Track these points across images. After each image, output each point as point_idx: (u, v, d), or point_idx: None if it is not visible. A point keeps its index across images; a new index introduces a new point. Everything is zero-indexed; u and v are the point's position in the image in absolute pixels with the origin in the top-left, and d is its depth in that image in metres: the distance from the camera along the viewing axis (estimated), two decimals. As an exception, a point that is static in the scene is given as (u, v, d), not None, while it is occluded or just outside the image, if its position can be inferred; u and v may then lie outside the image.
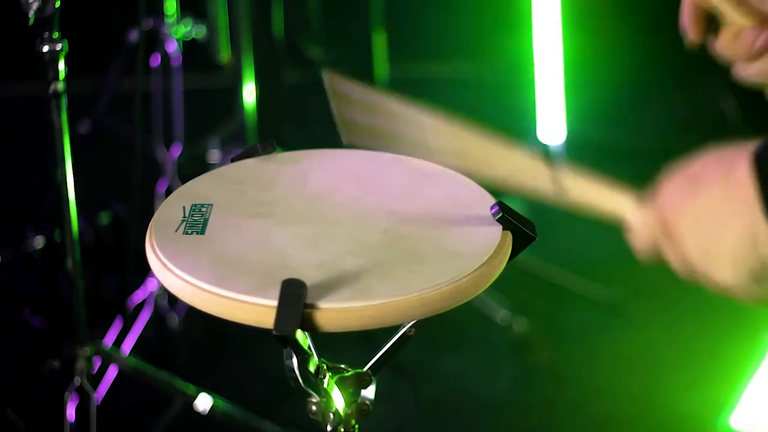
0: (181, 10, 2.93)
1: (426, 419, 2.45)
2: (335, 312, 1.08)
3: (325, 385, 1.24)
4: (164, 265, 1.14)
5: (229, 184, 1.29)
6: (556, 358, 2.62)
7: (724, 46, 1.13)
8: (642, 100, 3.76)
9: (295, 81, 3.59)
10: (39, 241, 2.48)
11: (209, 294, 1.10)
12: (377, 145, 1.25)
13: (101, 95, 3.13)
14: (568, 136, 3.24)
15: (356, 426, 1.28)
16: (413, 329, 1.25)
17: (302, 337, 1.10)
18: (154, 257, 1.16)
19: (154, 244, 1.17)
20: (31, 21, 1.80)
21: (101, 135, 3.11)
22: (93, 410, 2.02)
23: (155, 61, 2.87)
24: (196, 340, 2.63)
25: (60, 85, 1.86)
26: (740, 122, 3.33)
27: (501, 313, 2.66)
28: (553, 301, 2.81)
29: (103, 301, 2.61)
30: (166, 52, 2.89)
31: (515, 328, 2.64)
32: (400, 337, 1.25)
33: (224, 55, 3.07)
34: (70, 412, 2.02)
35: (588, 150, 3.29)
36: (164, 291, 2.52)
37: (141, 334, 2.47)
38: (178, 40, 2.90)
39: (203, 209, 1.24)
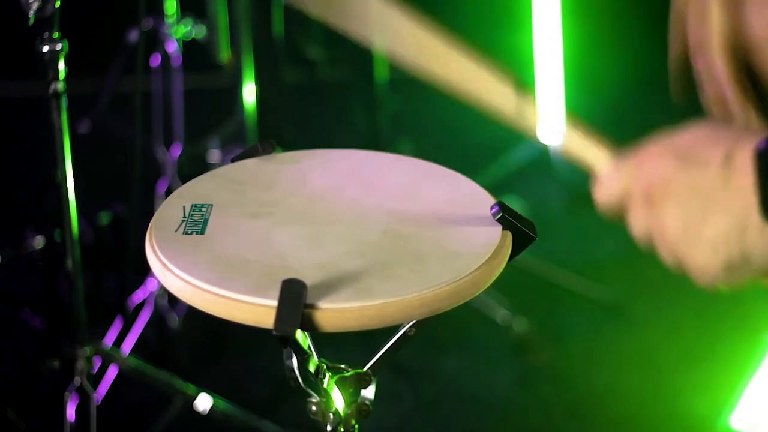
0: (181, 10, 2.93)
1: (426, 419, 2.45)
2: (335, 312, 1.08)
3: (325, 385, 1.24)
4: (164, 265, 1.14)
5: (229, 184, 1.29)
6: (556, 358, 2.62)
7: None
8: (643, 97, 3.76)
9: (295, 81, 3.59)
10: (39, 241, 2.48)
11: (209, 294, 1.10)
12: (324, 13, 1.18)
13: (101, 95, 3.12)
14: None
15: (356, 426, 1.28)
16: (413, 329, 1.24)
17: (302, 337, 1.10)
18: (154, 257, 1.16)
19: (154, 244, 1.17)
20: (31, 21, 1.80)
21: (101, 135, 3.11)
22: (93, 410, 2.02)
23: (155, 61, 2.87)
24: (196, 340, 2.63)
25: (60, 85, 1.86)
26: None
27: (501, 313, 2.65)
28: (553, 301, 2.81)
29: (103, 301, 2.60)
30: (166, 52, 2.89)
31: (515, 328, 2.64)
32: (400, 337, 1.25)
33: (224, 55, 3.07)
34: (70, 412, 2.02)
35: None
36: (164, 291, 2.52)
37: (141, 334, 2.47)
38: (178, 40, 2.90)
39: (203, 209, 1.24)
